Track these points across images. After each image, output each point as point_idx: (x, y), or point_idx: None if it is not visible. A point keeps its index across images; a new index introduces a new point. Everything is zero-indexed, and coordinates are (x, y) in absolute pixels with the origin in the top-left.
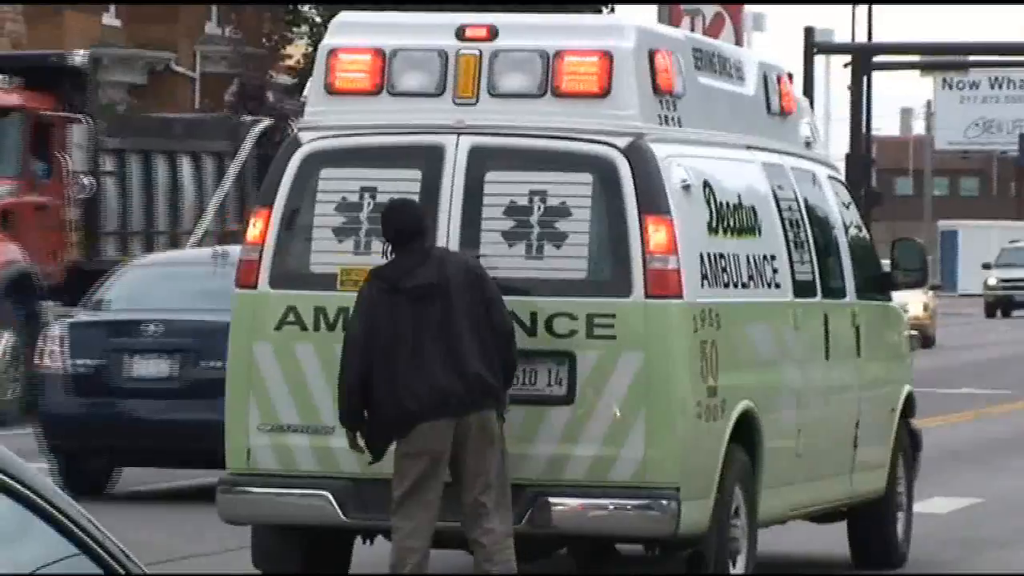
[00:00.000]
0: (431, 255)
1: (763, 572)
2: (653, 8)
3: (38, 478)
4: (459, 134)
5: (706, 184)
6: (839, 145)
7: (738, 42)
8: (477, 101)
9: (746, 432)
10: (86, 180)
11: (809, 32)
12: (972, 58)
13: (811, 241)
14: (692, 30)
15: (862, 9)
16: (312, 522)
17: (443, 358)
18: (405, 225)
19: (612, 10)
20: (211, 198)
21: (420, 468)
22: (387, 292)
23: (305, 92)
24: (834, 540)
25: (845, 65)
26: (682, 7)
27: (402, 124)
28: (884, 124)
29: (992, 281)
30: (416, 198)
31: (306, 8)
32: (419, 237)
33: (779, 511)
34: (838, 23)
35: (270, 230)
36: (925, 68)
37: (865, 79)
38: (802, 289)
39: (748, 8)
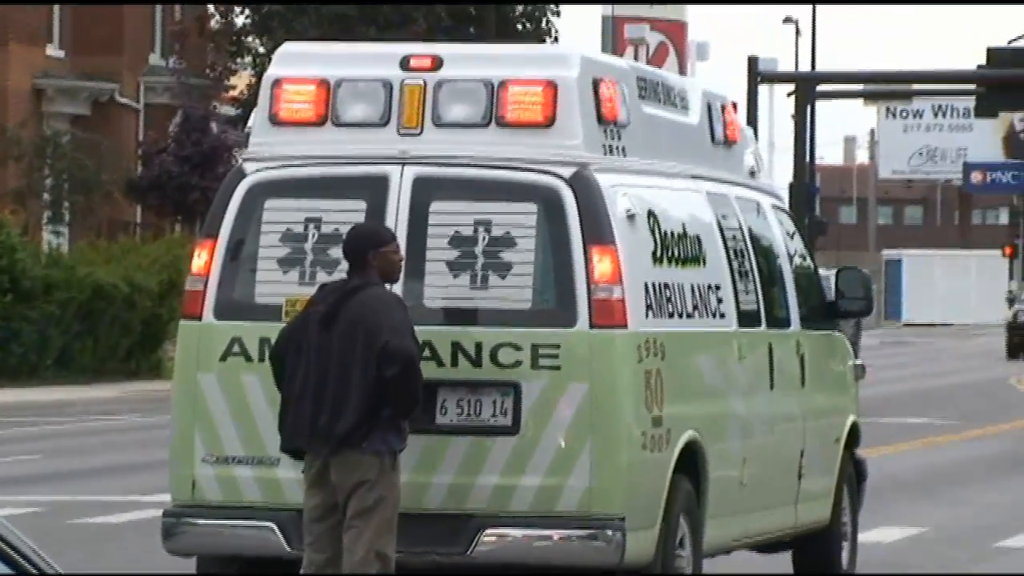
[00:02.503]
0: (347, 287)
1: None
2: (597, 37)
3: None
4: (404, 164)
5: (651, 213)
6: (783, 174)
7: (682, 71)
8: (422, 131)
9: (691, 462)
10: None
11: (753, 61)
12: (915, 87)
13: (756, 271)
14: (636, 59)
15: (806, 38)
16: (257, 553)
17: (315, 392)
18: (344, 248)
19: (555, 39)
20: None
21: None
22: (307, 312)
23: (249, 123)
24: (779, 570)
25: (789, 94)
26: (626, 36)
27: (347, 154)
28: (828, 153)
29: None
30: None
31: (250, 39)
32: (355, 262)
33: (724, 541)
34: (782, 52)
35: (215, 261)
36: (868, 97)
37: (809, 108)
38: (747, 319)
39: (692, 37)
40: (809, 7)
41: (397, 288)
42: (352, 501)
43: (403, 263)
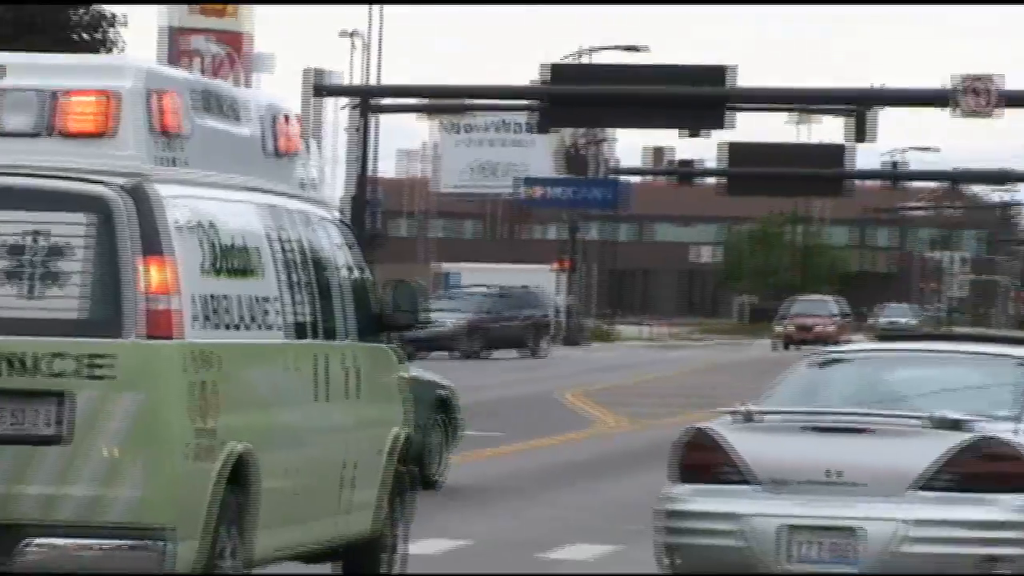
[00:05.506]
0: None
1: None
2: (153, 48)
3: None
4: None
5: (205, 225)
6: (346, 187)
7: (243, 83)
8: None
9: (242, 472)
10: None
11: (308, 73)
12: (475, 101)
13: (308, 283)
14: (195, 71)
15: (372, 52)
16: None
17: None
18: None
19: (122, 50)
20: None
21: None
22: None
23: None
24: None
25: (342, 107)
26: (185, 47)
27: None
28: (387, 166)
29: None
30: None
31: None
32: None
33: (271, 551)
34: (349, 65)
35: None
36: (428, 111)
37: (367, 121)
38: (298, 331)
39: (256, 49)
40: (377, 21)
41: None
42: None
43: None
